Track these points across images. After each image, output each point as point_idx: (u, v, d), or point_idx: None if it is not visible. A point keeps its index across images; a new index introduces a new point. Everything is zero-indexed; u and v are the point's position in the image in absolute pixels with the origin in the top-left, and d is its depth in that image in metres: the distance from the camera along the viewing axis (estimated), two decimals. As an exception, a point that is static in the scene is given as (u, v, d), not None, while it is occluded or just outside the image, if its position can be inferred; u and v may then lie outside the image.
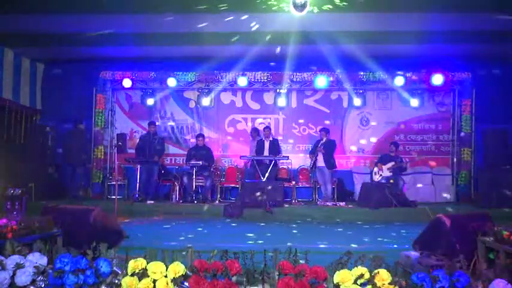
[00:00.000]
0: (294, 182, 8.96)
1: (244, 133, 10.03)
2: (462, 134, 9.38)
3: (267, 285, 1.99)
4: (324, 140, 8.47)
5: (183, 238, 5.28)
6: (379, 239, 5.44)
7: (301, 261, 2.10)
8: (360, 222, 6.89)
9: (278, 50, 8.63)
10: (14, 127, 9.15)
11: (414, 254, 3.59)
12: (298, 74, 9.37)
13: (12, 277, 2.08)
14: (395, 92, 9.65)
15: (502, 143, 8.03)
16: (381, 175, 8.35)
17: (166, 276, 2.02)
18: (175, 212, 7.44)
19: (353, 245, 4.84)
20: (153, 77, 9.54)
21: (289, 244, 2.55)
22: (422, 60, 9.28)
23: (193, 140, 9.51)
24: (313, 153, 8.53)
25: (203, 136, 8.95)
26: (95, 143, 9.64)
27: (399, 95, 9.62)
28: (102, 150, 9.65)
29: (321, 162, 8.38)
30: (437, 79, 9.05)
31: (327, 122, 9.75)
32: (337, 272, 1.99)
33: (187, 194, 8.26)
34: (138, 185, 8.36)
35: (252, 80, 9.46)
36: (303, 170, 9.59)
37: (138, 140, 9.07)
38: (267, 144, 8.73)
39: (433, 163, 9.22)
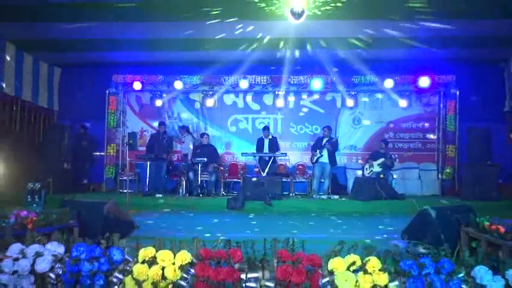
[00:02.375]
0: (291, 177, 8.96)
1: (246, 132, 10.04)
2: (447, 132, 9.38)
3: (267, 272, 2.00)
4: (328, 138, 8.41)
5: (189, 229, 5.29)
6: (370, 229, 5.44)
7: (298, 249, 2.10)
8: (352, 214, 6.88)
9: (277, 55, 8.63)
10: (33, 126, 9.19)
11: (402, 243, 3.60)
12: (295, 77, 9.36)
13: (33, 264, 2.09)
14: (385, 94, 9.64)
15: (484, 141, 8.02)
16: (371, 170, 8.35)
17: (174, 264, 2.03)
18: (182, 204, 7.43)
19: (346, 235, 4.84)
20: (161, 80, 9.54)
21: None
22: (410, 64, 9.26)
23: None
24: (316, 149, 8.40)
25: (207, 135, 8.94)
26: (107, 141, 9.65)
27: (389, 96, 9.60)
28: (115, 147, 9.66)
29: (325, 158, 8.33)
30: (424, 81, 9.03)
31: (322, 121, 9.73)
32: (332, 259, 1.99)
33: (193, 188, 8.26)
34: (147, 180, 8.37)
35: (253, 82, 9.45)
36: (299, 165, 9.59)
37: (148, 139, 9.07)
38: (266, 142, 8.72)
39: (409, 153, 9.15)
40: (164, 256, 2.04)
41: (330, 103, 9.96)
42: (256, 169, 8.87)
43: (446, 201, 7.68)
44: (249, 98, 10.08)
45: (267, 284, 1.95)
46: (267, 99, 10.02)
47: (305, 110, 10.00)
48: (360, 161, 9.67)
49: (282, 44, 7.91)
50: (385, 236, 4.78)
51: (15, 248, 2.14)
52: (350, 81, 9.29)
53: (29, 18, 7.07)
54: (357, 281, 1.91)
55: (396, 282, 1.92)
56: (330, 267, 1.97)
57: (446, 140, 9.39)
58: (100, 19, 7.14)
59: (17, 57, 8.41)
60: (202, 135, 8.93)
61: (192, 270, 2.01)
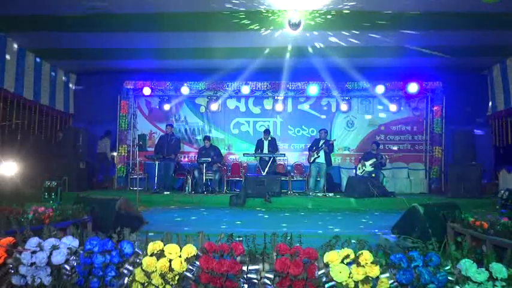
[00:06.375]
0: (289, 176, 8.95)
1: (247, 134, 10.04)
2: (434, 134, 9.37)
3: (267, 264, 1.99)
4: (324, 140, 8.41)
5: (194, 224, 5.28)
6: (363, 224, 5.43)
7: (296, 243, 2.09)
8: (346, 210, 6.87)
9: (276, 63, 8.63)
10: (51, 128, 9.19)
11: (393, 237, 3.59)
12: (293, 83, 9.37)
13: (49, 257, 2.08)
14: (377, 99, 9.64)
15: (468, 142, 8.00)
16: (364, 170, 8.33)
17: (180, 257, 2.02)
18: (188, 201, 7.43)
19: (340, 230, 4.82)
20: (169, 86, 9.56)
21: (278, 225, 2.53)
22: (400, 71, 9.26)
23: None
24: (314, 150, 8.38)
25: (209, 138, 8.86)
26: (119, 143, 9.65)
27: (380, 101, 9.61)
28: (126, 148, 9.66)
29: (321, 159, 8.33)
30: (413, 87, 9.04)
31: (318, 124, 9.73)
32: (327, 253, 1.98)
33: (199, 186, 8.25)
34: (156, 178, 8.36)
35: (254, 88, 9.46)
36: (297, 165, 9.58)
37: (157, 140, 9.06)
38: (266, 143, 8.72)
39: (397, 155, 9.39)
40: (171, 249, 2.03)
41: (326, 107, 9.96)
42: (257, 168, 8.87)
43: (433, 198, 7.67)
44: (250, 102, 10.09)
45: (267, 275, 1.94)
46: (267, 103, 10.01)
47: (302, 113, 10.00)
48: (353, 161, 9.66)
49: (280, 53, 7.91)
50: (376, 231, 4.76)
51: (33, 242, 2.14)
52: (344, 87, 9.29)
53: (47, 28, 7.10)
54: (350, 273, 1.90)
55: (387, 274, 1.91)
56: (325, 260, 1.96)
57: (433, 142, 9.38)
58: (112, 30, 7.16)
59: (35, 65, 8.43)
60: (204, 138, 8.90)
61: (197, 263, 2.00)
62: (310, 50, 7.75)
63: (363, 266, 1.91)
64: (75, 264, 2.08)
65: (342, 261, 1.94)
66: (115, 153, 9.63)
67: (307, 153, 8.70)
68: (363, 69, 8.87)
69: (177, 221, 5.53)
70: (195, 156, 9.38)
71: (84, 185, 8.41)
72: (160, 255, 2.05)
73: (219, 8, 6.17)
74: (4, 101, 7.48)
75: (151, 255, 2.05)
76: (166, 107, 9.83)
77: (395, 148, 9.71)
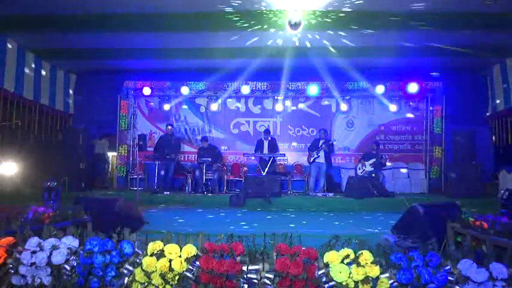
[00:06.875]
0: (289, 176, 8.94)
1: (247, 134, 10.03)
2: (434, 134, 9.37)
3: (267, 264, 1.99)
4: (324, 140, 8.41)
5: (194, 224, 5.28)
6: (363, 224, 5.42)
7: (296, 243, 2.09)
8: (346, 210, 6.85)
9: (276, 63, 8.63)
10: (51, 128, 9.19)
11: (393, 237, 3.59)
12: (293, 83, 9.37)
13: (49, 257, 2.08)
14: (377, 99, 9.62)
15: (468, 142, 8.00)
16: (364, 170, 8.33)
17: (180, 257, 2.02)
18: (188, 201, 7.42)
19: (340, 230, 4.82)
20: (169, 86, 9.56)
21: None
22: (400, 71, 9.26)
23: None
24: (313, 150, 8.40)
25: (206, 138, 8.85)
26: (119, 142, 9.65)
27: (380, 101, 9.59)
28: (126, 148, 9.65)
29: (321, 159, 8.32)
30: (413, 87, 9.03)
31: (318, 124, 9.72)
32: (327, 253, 1.98)
33: (199, 186, 8.25)
34: (156, 178, 8.36)
35: (254, 88, 9.46)
36: (297, 165, 9.58)
37: (157, 140, 9.04)
38: (266, 143, 8.71)
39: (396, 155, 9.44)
40: (171, 249, 2.03)
41: (326, 107, 9.96)
42: (257, 168, 8.87)
43: (433, 198, 7.66)
44: (250, 102, 10.08)
45: (267, 275, 1.94)
46: (267, 103, 10.01)
47: (302, 113, 9.99)
48: (353, 161, 9.65)
49: (281, 53, 7.91)
50: (376, 230, 4.76)
51: (33, 242, 2.14)
52: (344, 87, 9.30)
53: (47, 28, 7.10)
54: (350, 273, 1.90)
55: (387, 274, 1.91)
56: (325, 260, 1.96)
57: (433, 142, 9.38)
58: (113, 30, 7.16)
59: (35, 65, 8.43)
60: (202, 139, 8.89)
61: (197, 263, 2.00)
62: (310, 50, 7.75)
63: (363, 266, 1.91)
64: (75, 264, 2.07)
65: (342, 261, 1.94)
66: (114, 154, 9.64)
67: (307, 153, 8.69)
68: (363, 69, 8.87)
69: (177, 221, 5.52)
70: (195, 156, 9.37)
71: (84, 185, 8.41)
72: (160, 255, 2.04)
73: (219, 8, 6.17)
74: (4, 101, 7.48)
75: (151, 255, 2.04)
76: (166, 107, 9.82)
77: (395, 148, 9.70)
